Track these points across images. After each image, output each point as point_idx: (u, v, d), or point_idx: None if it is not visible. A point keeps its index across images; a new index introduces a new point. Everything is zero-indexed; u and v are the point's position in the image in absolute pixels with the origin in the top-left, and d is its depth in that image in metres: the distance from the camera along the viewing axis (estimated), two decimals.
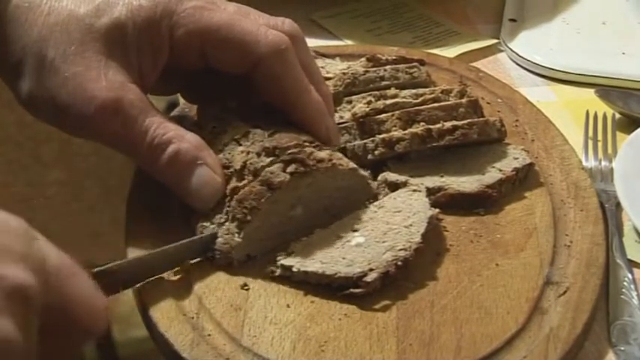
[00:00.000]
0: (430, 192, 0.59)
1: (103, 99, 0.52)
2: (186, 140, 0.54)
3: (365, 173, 0.59)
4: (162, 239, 0.55)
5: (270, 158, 0.54)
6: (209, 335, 0.50)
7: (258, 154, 0.54)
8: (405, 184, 0.59)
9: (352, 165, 0.57)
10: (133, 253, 0.54)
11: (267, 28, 0.57)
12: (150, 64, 0.56)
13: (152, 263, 0.53)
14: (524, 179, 0.63)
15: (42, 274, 0.37)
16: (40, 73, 0.53)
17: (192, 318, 0.51)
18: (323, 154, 0.55)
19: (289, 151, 0.54)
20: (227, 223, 0.54)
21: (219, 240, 0.54)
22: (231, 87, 0.61)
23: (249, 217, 0.53)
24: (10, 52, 0.55)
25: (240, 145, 0.56)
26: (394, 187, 0.60)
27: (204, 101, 0.63)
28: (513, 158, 0.63)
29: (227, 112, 0.59)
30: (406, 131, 0.61)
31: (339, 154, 0.57)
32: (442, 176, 0.61)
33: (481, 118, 0.64)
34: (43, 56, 0.53)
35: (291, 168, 0.53)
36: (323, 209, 0.57)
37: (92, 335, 0.40)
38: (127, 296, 0.54)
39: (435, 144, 0.61)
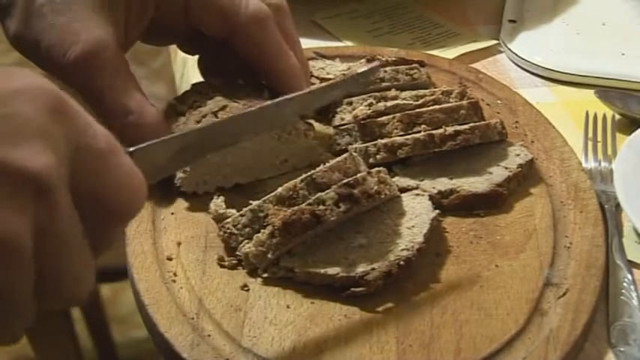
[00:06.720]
0: (442, 195, 0.60)
1: (79, 52, 0.54)
2: (144, 115, 0.55)
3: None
4: (162, 238, 0.56)
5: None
6: (209, 336, 0.50)
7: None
8: (416, 189, 0.60)
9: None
10: (133, 253, 0.55)
11: None
12: (136, 19, 0.58)
13: (186, 143, 0.50)
14: (525, 179, 0.63)
15: (74, 154, 0.34)
16: (28, 16, 0.55)
17: (192, 318, 0.51)
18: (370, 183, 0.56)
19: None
20: None
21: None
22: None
23: None
24: None
25: (217, 117, 0.58)
26: (405, 192, 0.60)
27: (203, 53, 0.65)
28: (515, 155, 0.63)
29: (210, 88, 0.61)
30: (408, 137, 0.61)
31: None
32: (452, 178, 0.61)
33: (482, 122, 0.64)
34: (31, 1, 0.54)
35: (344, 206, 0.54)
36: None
37: (130, 218, 0.38)
38: (128, 297, 0.54)
39: (437, 149, 0.61)
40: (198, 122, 0.57)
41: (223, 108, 0.58)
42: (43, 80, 0.35)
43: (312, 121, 0.63)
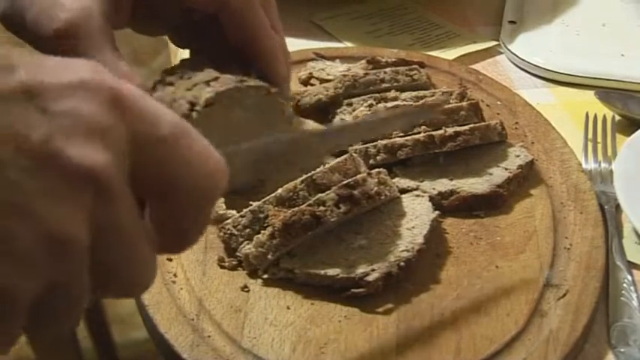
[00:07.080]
0: (442, 196, 0.60)
1: (62, 21, 0.53)
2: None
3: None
4: None
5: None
6: (209, 337, 0.50)
7: None
8: (416, 190, 0.60)
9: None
10: None
11: None
12: None
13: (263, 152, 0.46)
14: (525, 180, 0.63)
15: (135, 145, 0.33)
16: None
17: (193, 319, 0.51)
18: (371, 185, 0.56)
19: None
20: None
21: None
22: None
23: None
24: None
25: (210, 85, 0.57)
26: (405, 193, 0.60)
27: (193, 46, 0.64)
28: (515, 156, 0.64)
29: (199, 63, 0.60)
30: (408, 138, 0.61)
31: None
32: (452, 179, 0.61)
33: (482, 123, 0.64)
34: None
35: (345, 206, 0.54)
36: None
37: (213, 201, 0.36)
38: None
39: (437, 150, 0.61)
40: (189, 90, 0.57)
41: (216, 79, 0.57)
42: (99, 70, 0.34)
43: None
